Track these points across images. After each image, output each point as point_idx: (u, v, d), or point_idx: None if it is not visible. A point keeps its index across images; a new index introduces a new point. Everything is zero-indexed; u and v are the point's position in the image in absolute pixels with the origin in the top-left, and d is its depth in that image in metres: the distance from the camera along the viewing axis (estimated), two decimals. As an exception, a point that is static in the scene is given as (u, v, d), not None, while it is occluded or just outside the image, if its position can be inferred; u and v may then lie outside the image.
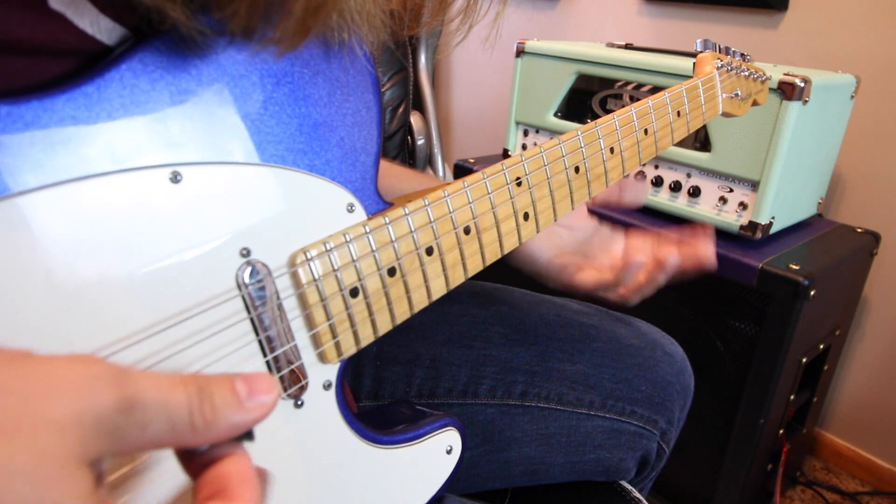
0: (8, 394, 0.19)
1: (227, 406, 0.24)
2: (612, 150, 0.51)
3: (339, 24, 0.31)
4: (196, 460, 0.25)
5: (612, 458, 0.60)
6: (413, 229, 0.38)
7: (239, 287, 0.31)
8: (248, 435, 0.26)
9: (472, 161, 1.35)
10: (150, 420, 0.22)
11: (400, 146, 1.18)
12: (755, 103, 0.71)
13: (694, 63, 0.63)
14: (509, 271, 1.36)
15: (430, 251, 0.39)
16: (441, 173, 1.28)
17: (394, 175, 0.61)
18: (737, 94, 0.64)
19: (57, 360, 0.21)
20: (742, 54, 0.67)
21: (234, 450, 0.25)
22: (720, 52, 0.64)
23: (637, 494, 0.62)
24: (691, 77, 0.60)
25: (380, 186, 0.47)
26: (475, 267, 0.43)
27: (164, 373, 0.24)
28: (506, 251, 0.44)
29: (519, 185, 0.44)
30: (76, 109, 0.27)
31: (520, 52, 1.21)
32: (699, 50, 0.63)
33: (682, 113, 0.57)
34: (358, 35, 0.33)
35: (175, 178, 0.29)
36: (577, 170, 0.48)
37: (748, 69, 0.66)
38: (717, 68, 0.61)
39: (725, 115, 0.65)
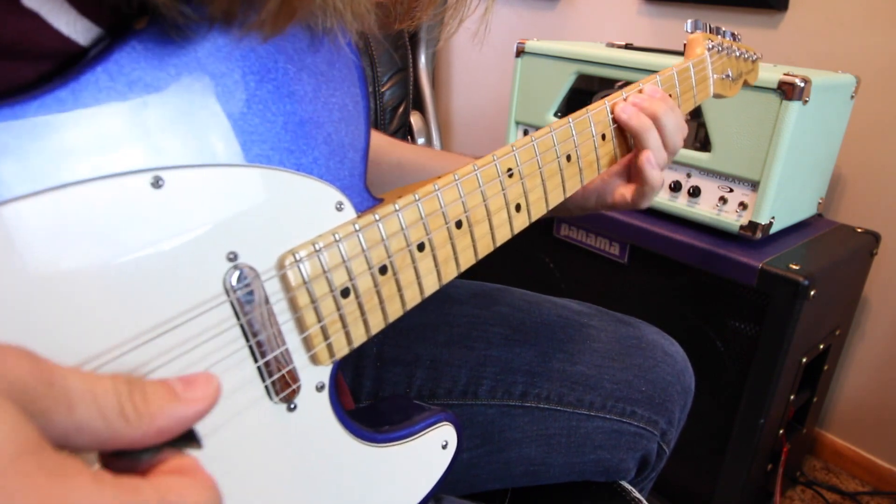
0: None
1: (160, 396, 0.22)
2: (603, 136, 0.51)
3: (323, 8, 0.30)
4: (136, 471, 0.23)
5: (612, 458, 0.60)
6: (404, 226, 0.37)
7: (227, 292, 0.31)
8: (193, 439, 0.23)
9: (472, 161, 1.35)
10: (75, 402, 0.20)
11: (400, 146, 1.18)
12: (746, 83, 0.70)
13: (685, 44, 0.62)
14: (509, 271, 1.36)
15: (421, 247, 0.39)
16: (441, 173, 1.28)
17: (427, 157, 0.60)
18: (727, 75, 0.63)
19: None
20: (733, 34, 0.66)
21: (181, 457, 0.23)
22: (711, 32, 0.63)
23: (637, 494, 0.62)
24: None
25: (409, 169, 0.46)
26: (467, 261, 0.42)
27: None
28: (498, 244, 0.44)
29: (510, 175, 0.43)
30: (50, 115, 0.25)
31: (520, 52, 1.21)
32: (689, 31, 0.62)
33: (674, 95, 0.57)
34: (342, 22, 0.33)
35: (157, 183, 0.28)
36: (568, 158, 0.48)
37: (738, 49, 0.66)
38: (708, 49, 0.61)
39: (717, 96, 0.64)
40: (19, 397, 0.19)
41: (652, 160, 0.51)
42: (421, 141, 1.27)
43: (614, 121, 0.52)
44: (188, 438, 0.24)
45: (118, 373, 0.23)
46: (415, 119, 1.26)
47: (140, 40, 0.28)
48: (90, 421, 0.21)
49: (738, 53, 0.65)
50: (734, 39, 0.66)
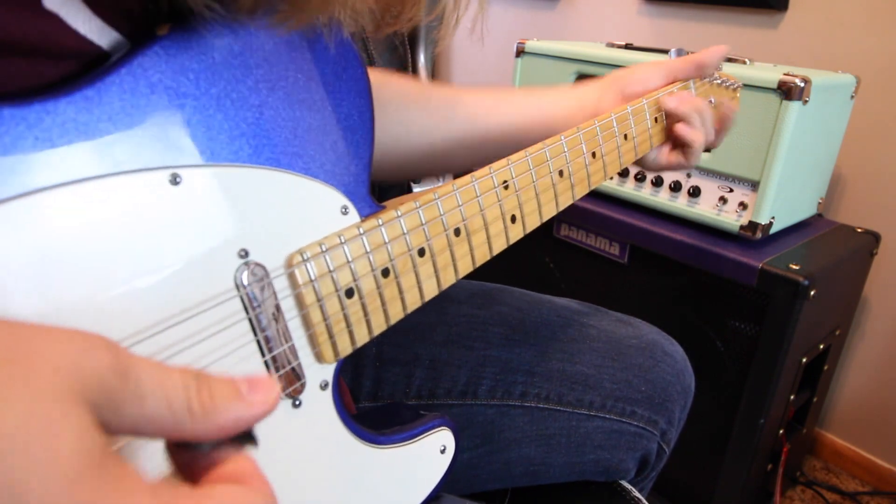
0: (5, 336, 0.19)
1: (226, 396, 0.23)
2: (594, 154, 0.52)
3: (343, 2, 0.32)
4: (198, 462, 0.24)
5: (612, 458, 0.60)
6: (405, 231, 0.39)
7: (237, 288, 0.32)
8: (251, 438, 0.25)
9: (471, 161, 1.35)
10: (146, 394, 0.21)
11: (400, 146, 1.18)
12: None
13: None
14: (509, 271, 1.36)
15: (422, 252, 0.40)
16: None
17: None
18: (711, 101, 0.66)
19: (53, 327, 0.21)
20: None
21: (239, 452, 0.24)
22: None
23: (637, 494, 0.62)
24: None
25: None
26: (465, 268, 0.44)
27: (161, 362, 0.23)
28: (495, 253, 0.45)
29: (506, 188, 0.45)
30: (77, 113, 0.27)
31: (520, 52, 1.21)
32: (673, 58, 0.66)
33: (659, 119, 0.59)
34: (345, 18, 0.33)
35: (174, 180, 0.29)
36: (560, 174, 0.49)
37: (720, 77, 0.69)
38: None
39: None
40: (96, 393, 0.20)
41: (685, 129, 0.59)
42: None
43: (664, 112, 0.59)
44: (246, 436, 0.25)
45: (186, 367, 0.23)
46: (415, 119, 1.26)
47: (162, 46, 0.30)
48: (158, 413, 0.22)
49: (719, 81, 0.68)
50: (717, 68, 0.69)
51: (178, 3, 0.29)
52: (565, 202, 0.51)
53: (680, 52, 0.66)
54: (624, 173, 1.11)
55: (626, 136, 0.55)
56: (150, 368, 0.22)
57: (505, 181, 0.45)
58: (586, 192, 0.53)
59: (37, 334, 0.20)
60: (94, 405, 0.20)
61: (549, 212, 0.49)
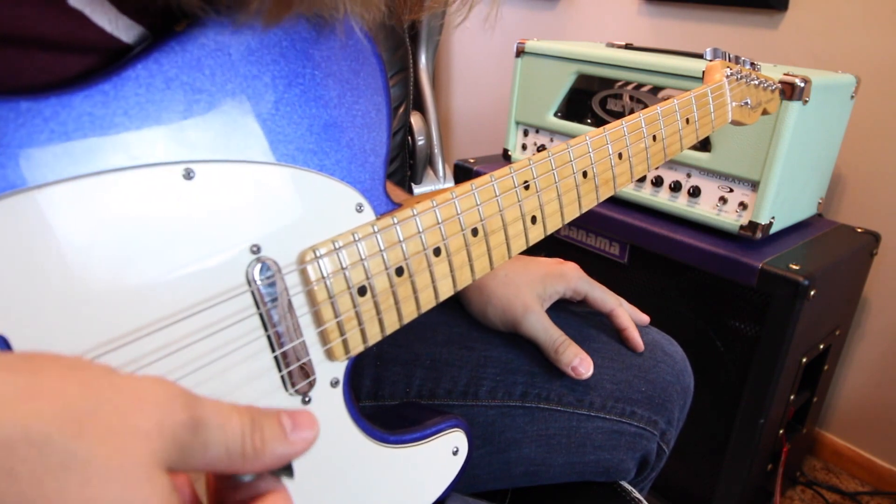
0: (103, 403, 0.21)
1: (274, 438, 0.26)
2: (620, 155, 0.51)
3: None
4: (240, 493, 0.27)
5: (612, 458, 0.60)
6: (421, 230, 0.39)
7: (249, 283, 0.32)
8: (289, 471, 0.27)
9: (472, 161, 1.35)
10: (210, 443, 0.24)
11: (400, 146, 1.18)
12: (765, 112, 0.71)
13: (703, 71, 0.64)
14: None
15: (437, 252, 0.40)
16: (441, 173, 1.28)
17: None
18: (746, 103, 0.64)
19: (138, 377, 0.23)
20: (752, 63, 0.67)
21: (277, 486, 0.27)
22: (730, 60, 0.65)
23: (637, 495, 0.62)
24: (696, 79, 0.60)
25: None
26: (483, 269, 0.43)
27: (222, 401, 0.25)
28: (513, 254, 0.45)
29: (527, 188, 0.44)
30: (93, 107, 0.27)
31: (520, 52, 1.21)
32: (709, 59, 0.63)
33: (691, 120, 0.57)
34: (354, 13, 0.33)
35: (188, 175, 0.30)
36: (584, 175, 0.48)
37: (758, 78, 0.67)
38: (727, 77, 0.62)
39: (735, 123, 0.65)
40: (172, 451, 0.23)
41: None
42: (421, 141, 1.27)
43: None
44: (284, 468, 0.28)
45: (242, 407, 0.26)
46: (415, 119, 1.26)
47: (178, 41, 0.30)
48: (217, 458, 0.25)
49: (756, 82, 0.66)
50: (753, 68, 0.67)
51: (175, 4, 0.29)
52: (589, 204, 0.49)
53: (716, 53, 0.64)
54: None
55: (654, 138, 0.53)
56: (214, 416, 0.24)
57: (526, 181, 0.44)
58: (611, 193, 0.51)
59: (123, 392, 0.22)
60: (170, 462, 0.23)
61: (572, 213, 0.48)
